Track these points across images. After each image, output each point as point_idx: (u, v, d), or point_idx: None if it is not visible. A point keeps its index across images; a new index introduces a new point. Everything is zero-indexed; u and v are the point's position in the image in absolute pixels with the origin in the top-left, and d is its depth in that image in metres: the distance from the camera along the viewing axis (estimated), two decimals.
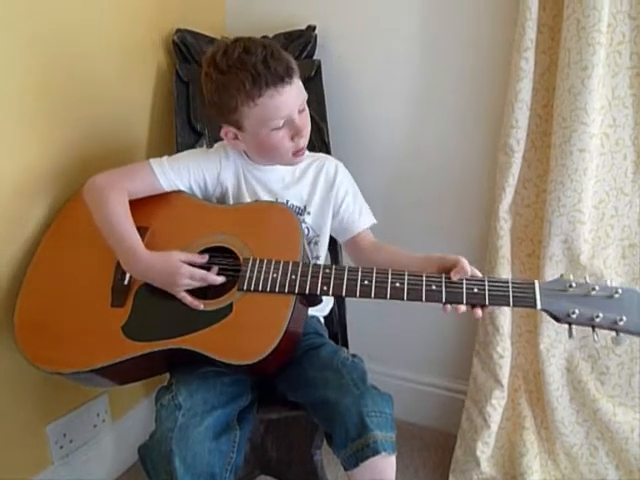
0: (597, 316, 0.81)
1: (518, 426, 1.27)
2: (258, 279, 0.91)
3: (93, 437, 1.30)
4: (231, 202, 1.06)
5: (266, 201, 1.05)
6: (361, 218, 1.10)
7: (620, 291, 0.82)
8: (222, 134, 1.02)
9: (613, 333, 0.82)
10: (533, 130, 1.16)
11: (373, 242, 1.10)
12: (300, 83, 0.98)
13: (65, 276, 1.01)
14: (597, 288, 0.83)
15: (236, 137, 1.01)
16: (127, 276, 0.97)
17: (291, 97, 0.94)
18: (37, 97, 1.06)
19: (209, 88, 0.98)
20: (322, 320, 1.18)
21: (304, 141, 1.00)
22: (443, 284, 0.87)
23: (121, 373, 0.98)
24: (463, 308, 0.86)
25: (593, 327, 0.82)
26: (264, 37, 1.40)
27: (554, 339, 1.19)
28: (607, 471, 1.19)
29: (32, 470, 1.17)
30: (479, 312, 0.86)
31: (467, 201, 1.36)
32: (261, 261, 0.93)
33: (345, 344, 1.26)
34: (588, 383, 1.18)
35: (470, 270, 0.87)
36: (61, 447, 1.22)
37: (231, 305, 0.91)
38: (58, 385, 1.12)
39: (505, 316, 1.22)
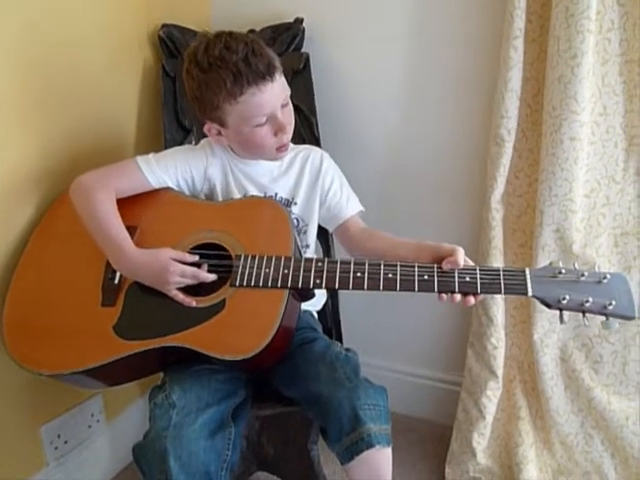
0: (587, 301, 0.82)
1: (513, 416, 1.28)
2: (250, 275, 0.90)
3: (88, 438, 1.29)
4: (220, 198, 1.05)
5: (256, 196, 1.04)
6: (348, 205, 1.10)
7: (608, 276, 0.84)
8: (205, 130, 1.02)
9: (603, 318, 0.83)
10: (524, 120, 1.16)
11: (363, 228, 1.10)
12: (283, 79, 0.98)
13: (54, 276, 1.00)
14: (586, 274, 0.84)
15: (219, 133, 1.01)
16: (117, 275, 0.96)
17: (273, 94, 0.94)
18: (22, 96, 1.04)
19: (191, 85, 0.97)
20: (315, 315, 1.17)
21: (287, 137, 1.00)
22: (435, 274, 0.87)
23: (113, 374, 0.97)
24: (458, 297, 0.86)
25: (583, 312, 0.83)
26: (250, 31, 1.39)
27: (548, 329, 1.19)
28: (602, 459, 1.20)
29: (27, 471, 1.16)
30: (472, 300, 0.86)
31: (459, 192, 1.35)
32: (253, 257, 0.92)
33: (339, 338, 1.26)
34: (582, 372, 1.18)
35: (463, 261, 0.87)
36: (56, 448, 1.21)
37: (224, 301, 0.90)
38: (52, 386, 1.11)
39: (498, 307, 1.22)
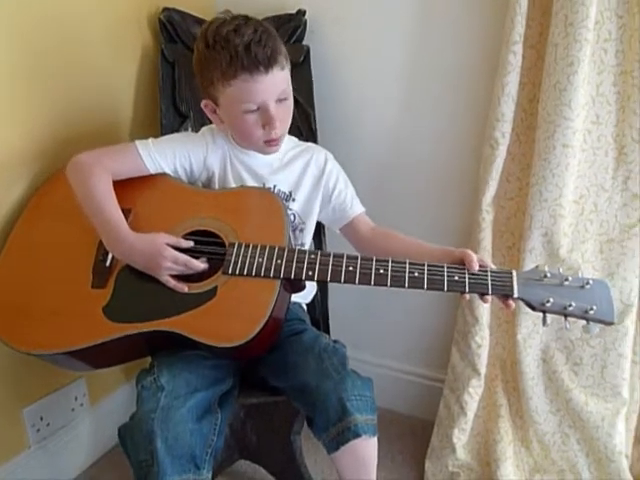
0: (570, 305, 0.84)
1: (494, 414, 1.30)
2: (243, 263, 0.91)
3: (71, 421, 1.29)
4: (217, 186, 1.06)
5: (253, 186, 1.05)
6: (354, 204, 1.11)
7: (591, 282, 0.86)
8: (202, 106, 1.02)
9: (584, 322, 0.85)
10: (518, 124, 1.18)
11: (374, 227, 1.11)
12: (285, 73, 0.97)
13: (43, 255, 1.00)
14: (570, 279, 0.86)
15: (215, 112, 1.01)
16: (109, 257, 0.96)
17: (268, 85, 0.93)
18: (15, 75, 1.03)
19: (195, 57, 0.99)
20: (305, 307, 1.18)
21: (277, 132, 0.98)
22: (425, 272, 0.88)
23: (100, 356, 0.97)
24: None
25: (566, 316, 0.85)
26: (264, 19, 1.38)
27: (531, 330, 1.21)
28: (577, 459, 1.23)
29: (8, 453, 1.16)
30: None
31: (452, 191, 1.37)
32: (247, 245, 0.93)
33: (327, 331, 1.27)
34: (562, 373, 1.21)
35: (477, 266, 0.88)
36: (38, 430, 1.21)
37: (215, 288, 0.91)
38: (35, 368, 1.11)
39: (484, 306, 1.24)
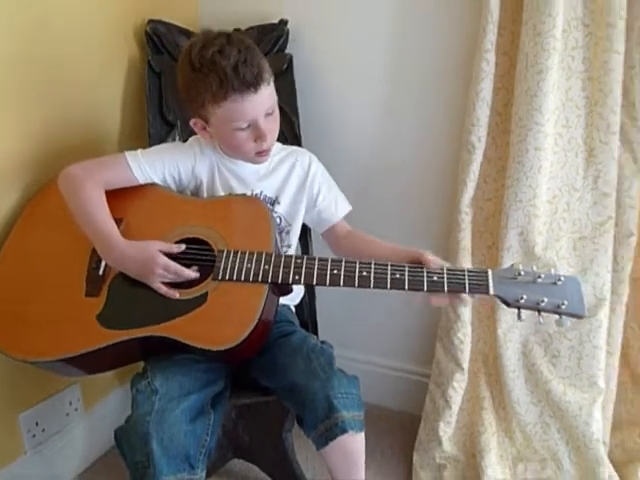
0: (542, 301, 0.88)
1: (477, 407, 1.35)
2: (232, 269, 0.94)
3: (66, 426, 1.32)
4: (205, 195, 1.09)
5: (239, 194, 1.08)
6: (337, 208, 1.15)
7: (563, 279, 0.90)
8: (191, 124, 1.05)
9: (557, 316, 0.90)
10: (494, 128, 1.23)
11: (349, 230, 1.15)
12: (271, 88, 1.00)
13: (37, 264, 1.02)
14: (543, 276, 0.90)
15: (204, 128, 1.04)
16: (102, 266, 0.99)
17: (257, 104, 0.97)
18: (4, 86, 1.05)
19: (180, 81, 1.01)
20: (293, 309, 1.22)
21: (268, 144, 1.02)
22: (406, 273, 0.92)
23: (95, 362, 1.00)
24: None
25: (539, 311, 0.89)
26: (236, 30, 1.42)
27: (511, 325, 1.26)
28: (558, 447, 1.28)
29: (4, 459, 1.18)
30: (434, 299, 0.93)
31: (432, 194, 1.42)
32: (235, 252, 0.96)
33: (315, 331, 1.31)
34: (541, 366, 1.26)
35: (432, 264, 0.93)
36: (33, 436, 1.23)
37: (206, 294, 0.94)
38: (30, 374, 1.13)
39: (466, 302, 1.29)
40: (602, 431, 1.27)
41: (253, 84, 0.95)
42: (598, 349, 1.20)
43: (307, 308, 1.30)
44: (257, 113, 0.98)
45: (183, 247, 0.98)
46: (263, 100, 0.98)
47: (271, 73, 1.00)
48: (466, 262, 1.26)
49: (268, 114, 1.00)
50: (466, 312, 1.30)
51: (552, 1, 1.06)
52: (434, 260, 0.94)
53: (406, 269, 0.93)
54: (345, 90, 1.44)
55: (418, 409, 1.47)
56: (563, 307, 0.89)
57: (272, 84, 1.01)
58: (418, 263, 0.94)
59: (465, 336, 1.31)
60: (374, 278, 0.93)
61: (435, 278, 0.92)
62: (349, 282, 0.93)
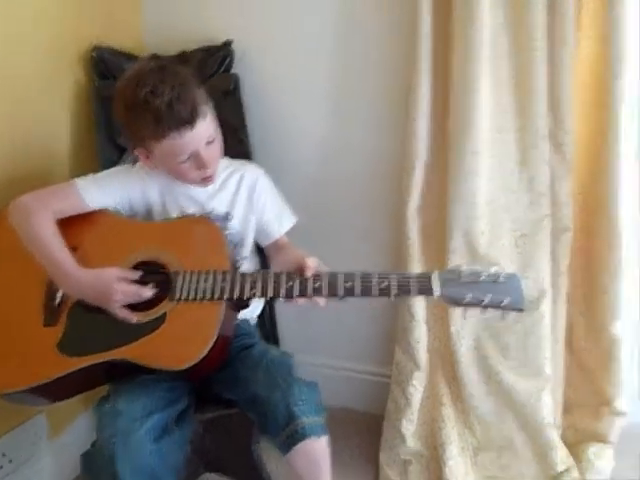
0: (485, 299, 0.93)
1: (437, 403, 1.41)
2: (189, 289, 0.97)
3: (32, 455, 1.31)
4: (157, 218, 1.11)
5: (190, 215, 1.11)
6: (280, 224, 1.19)
7: (503, 276, 0.95)
8: (136, 152, 1.07)
9: (500, 311, 0.96)
10: (434, 138, 1.29)
11: (285, 243, 1.19)
12: (208, 118, 1.01)
13: None
14: (484, 275, 0.95)
15: (148, 157, 1.05)
16: (58, 295, 1.00)
17: (195, 138, 0.99)
18: None
19: (117, 118, 1.03)
20: (254, 322, 1.26)
21: (212, 170, 1.05)
22: (358, 281, 0.95)
23: (59, 390, 1.01)
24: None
25: (483, 308, 0.95)
26: (182, 53, 1.44)
27: (463, 322, 1.33)
28: (513, 434, 1.35)
29: None
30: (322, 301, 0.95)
31: (380, 204, 1.47)
32: (191, 272, 0.99)
33: (276, 341, 1.35)
34: (492, 358, 1.33)
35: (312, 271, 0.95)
36: (1, 467, 1.22)
37: (165, 315, 0.97)
38: None
39: (420, 304, 1.35)
40: (553, 415, 1.35)
41: (189, 121, 0.96)
42: (543, 339, 1.28)
43: (268, 319, 1.34)
44: (196, 146, 1.00)
45: (139, 274, 1.00)
46: (201, 133, 1.00)
47: (208, 101, 1.02)
48: (416, 267, 1.32)
49: (209, 142, 1.02)
50: (420, 312, 1.36)
51: (477, 10, 1.14)
52: (312, 266, 0.95)
53: (357, 277, 0.96)
54: (293, 106, 1.49)
55: (383, 409, 1.51)
56: (504, 303, 0.94)
57: (210, 113, 1.03)
58: (300, 268, 0.95)
59: (421, 336, 1.37)
60: (328, 288, 0.96)
61: (384, 284, 0.95)
62: (304, 293, 0.96)
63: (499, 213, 1.28)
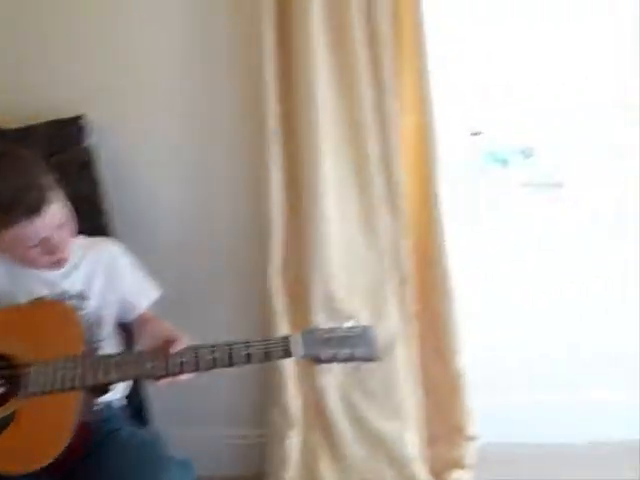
0: (340, 352, 1.00)
1: (315, 456, 1.46)
2: (42, 381, 0.92)
3: None
4: (4, 304, 1.05)
5: (42, 298, 1.06)
6: (143, 299, 1.18)
7: (356, 329, 1.03)
8: None
9: (355, 363, 1.03)
10: (287, 198, 1.37)
11: (151, 317, 1.18)
12: (57, 203, 1.00)
13: None
14: (340, 330, 1.03)
15: None
16: None
17: (45, 224, 0.97)
18: None
19: None
20: (119, 403, 1.20)
21: (64, 253, 1.04)
22: (224, 352, 0.97)
23: None
24: None
25: (337, 362, 1.01)
26: (29, 127, 1.39)
27: (329, 375, 1.41)
28: (385, 472, 1.45)
29: None
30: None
31: (245, 265, 1.51)
32: (44, 361, 0.94)
33: (147, 419, 1.30)
34: (360, 405, 1.43)
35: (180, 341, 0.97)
36: None
37: (14, 413, 0.90)
38: None
39: (286, 363, 1.40)
40: (419, 449, 1.47)
41: (37, 208, 0.95)
42: (399, 381, 1.41)
43: (136, 397, 1.29)
44: (46, 231, 0.98)
45: None
46: (51, 218, 0.98)
47: (55, 186, 1.01)
48: (282, 328, 1.37)
49: (60, 226, 1.01)
50: (288, 370, 1.41)
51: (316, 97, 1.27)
52: (179, 342, 0.97)
53: (222, 349, 0.98)
54: (148, 174, 1.50)
55: (261, 471, 1.52)
56: (358, 354, 1.01)
57: (59, 196, 1.01)
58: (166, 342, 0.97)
59: (292, 392, 1.42)
60: (192, 364, 0.96)
61: (251, 350, 0.97)
62: (165, 372, 0.95)
63: (352, 271, 1.41)
